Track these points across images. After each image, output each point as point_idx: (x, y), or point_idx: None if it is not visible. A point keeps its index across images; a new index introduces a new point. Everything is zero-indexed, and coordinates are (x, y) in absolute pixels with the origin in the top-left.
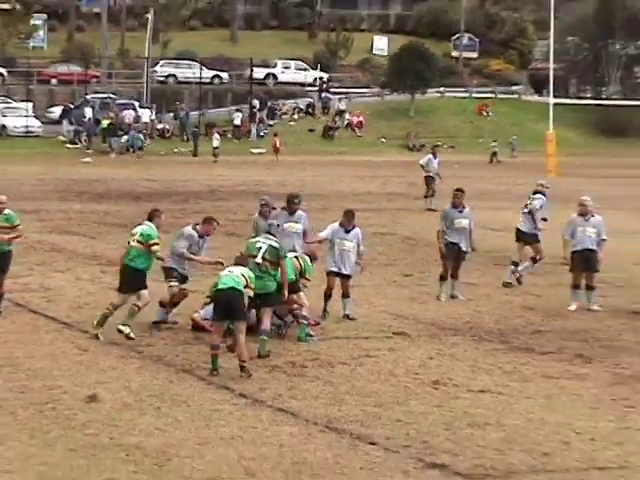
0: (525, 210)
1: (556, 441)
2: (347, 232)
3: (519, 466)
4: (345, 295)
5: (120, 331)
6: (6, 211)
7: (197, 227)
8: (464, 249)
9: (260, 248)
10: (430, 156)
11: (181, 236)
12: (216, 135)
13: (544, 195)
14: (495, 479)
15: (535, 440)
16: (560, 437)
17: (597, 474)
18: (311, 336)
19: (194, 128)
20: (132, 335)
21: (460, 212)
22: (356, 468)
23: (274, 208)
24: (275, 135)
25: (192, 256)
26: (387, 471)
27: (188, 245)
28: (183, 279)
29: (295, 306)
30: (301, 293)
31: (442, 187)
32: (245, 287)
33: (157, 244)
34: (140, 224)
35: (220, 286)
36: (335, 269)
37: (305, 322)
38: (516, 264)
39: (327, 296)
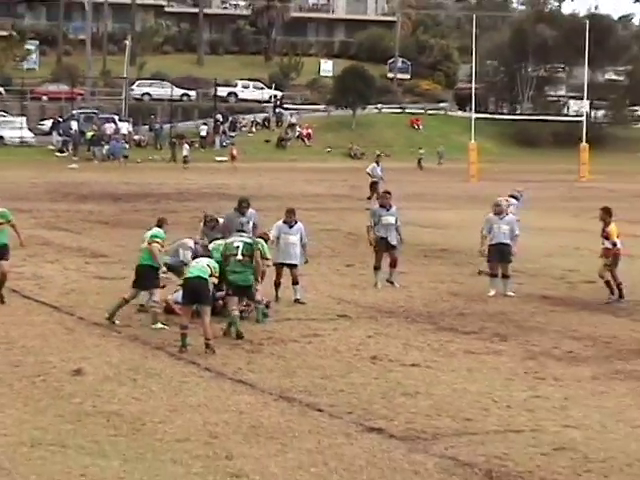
0: None
1: (477, 408)
2: (290, 227)
3: (445, 429)
4: (294, 282)
5: (155, 329)
6: (3, 210)
7: (197, 244)
8: (392, 242)
9: (238, 247)
10: (374, 164)
11: (188, 248)
12: (185, 145)
13: (517, 199)
14: (424, 441)
15: (459, 407)
16: (480, 404)
17: (512, 436)
18: (266, 316)
19: (173, 139)
20: (165, 326)
21: (387, 210)
22: (305, 431)
23: (217, 220)
24: (232, 145)
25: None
26: (332, 434)
27: (191, 254)
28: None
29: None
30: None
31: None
32: (210, 276)
33: (157, 242)
34: (150, 229)
35: (188, 275)
36: (281, 260)
37: (261, 305)
38: None
39: (277, 285)
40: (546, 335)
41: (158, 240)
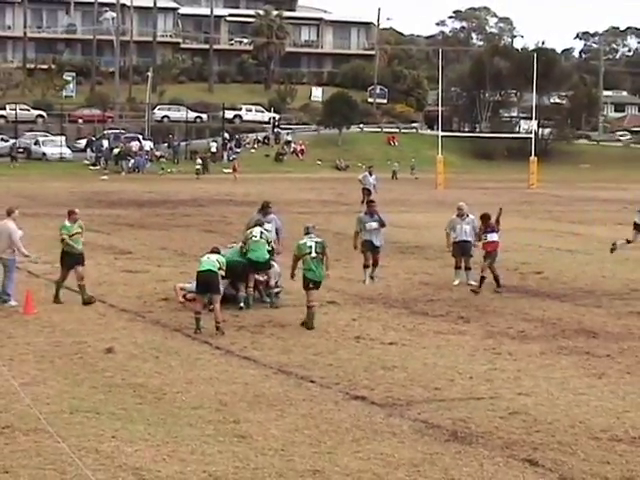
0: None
1: (444, 379)
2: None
3: (418, 397)
4: None
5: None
6: (79, 222)
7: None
8: (376, 244)
9: (311, 246)
10: (366, 173)
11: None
12: (198, 159)
13: None
14: (400, 407)
15: (429, 378)
16: (447, 376)
17: (474, 402)
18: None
19: (203, 154)
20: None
21: (371, 217)
22: (300, 399)
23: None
24: (235, 159)
25: None
26: (322, 402)
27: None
28: None
29: (264, 279)
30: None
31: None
32: (219, 269)
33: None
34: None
35: (201, 268)
36: None
37: (278, 289)
38: (629, 241)
39: None
40: (502, 317)
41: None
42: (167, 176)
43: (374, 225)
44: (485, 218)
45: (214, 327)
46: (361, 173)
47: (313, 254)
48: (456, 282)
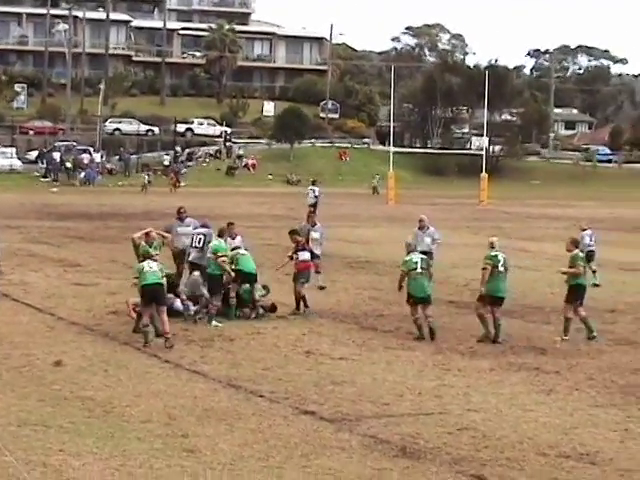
0: None
1: (394, 394)
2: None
3: (367, 412)
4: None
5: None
6: (155, 243)
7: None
8: (317, 252)
9: (417, 262)
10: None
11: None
12: (145, 174)
13: None
14: (349, 422)
15: (378, 394)
16: (397, 391)
17: (423, 418)
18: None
19: (175, 169)
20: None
21: (312, 227)
22: (249, 414)
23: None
24: (175, 172)
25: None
26: (271, 416)
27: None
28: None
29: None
30: None
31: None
32: (162, 278)
33: (225, 256)
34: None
35: (146, 282)
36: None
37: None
38: None
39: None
40: (452, 334)
41: (223, 254)
42: (117, 189)
43: (315, 235)
44: (294, 234)
45: (163, 340)
46: (307, 188)
47: (419, 270)
48: None
